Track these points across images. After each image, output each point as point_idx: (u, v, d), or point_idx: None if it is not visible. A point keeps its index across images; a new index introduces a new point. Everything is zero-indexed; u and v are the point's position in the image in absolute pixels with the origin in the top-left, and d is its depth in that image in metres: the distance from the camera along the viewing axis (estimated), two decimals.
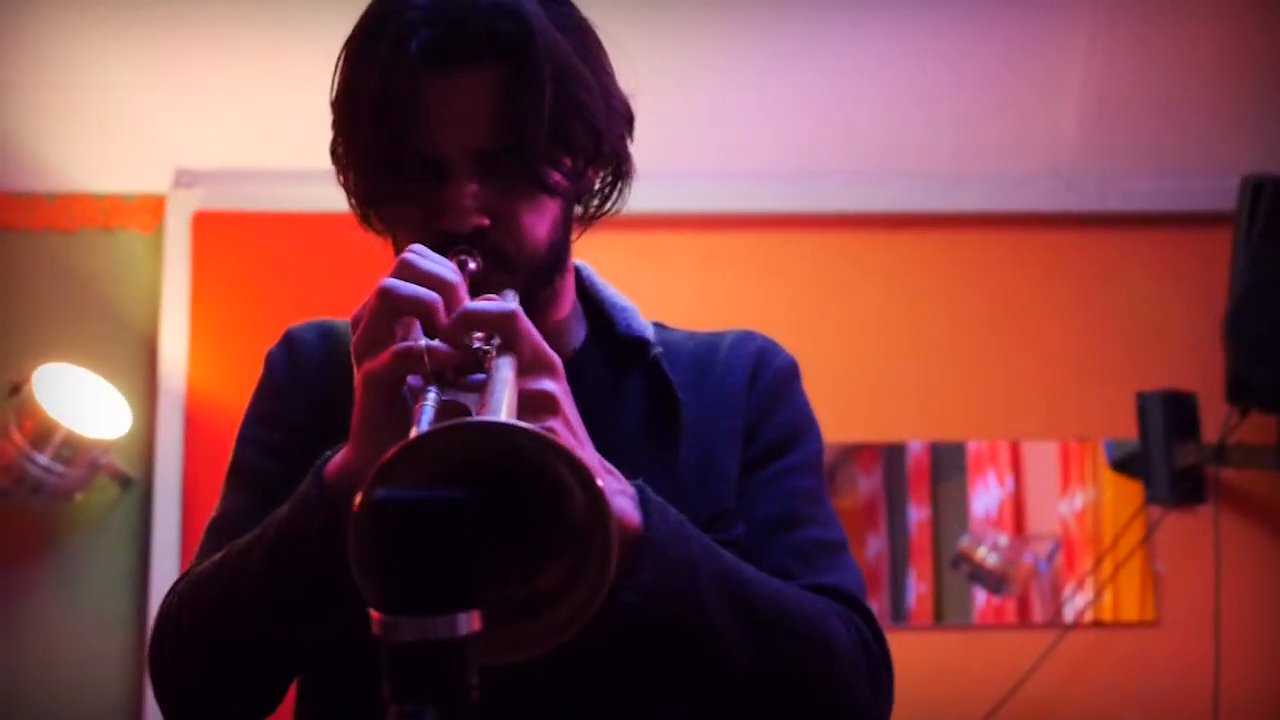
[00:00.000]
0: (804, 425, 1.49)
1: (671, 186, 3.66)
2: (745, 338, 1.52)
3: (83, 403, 3.44)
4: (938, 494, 3.70)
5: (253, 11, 3.36)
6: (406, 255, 1.18)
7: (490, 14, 1.30)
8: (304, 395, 1.44)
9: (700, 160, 3.67)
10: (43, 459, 3.37)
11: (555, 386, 1.13)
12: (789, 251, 3.80)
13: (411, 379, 1.13)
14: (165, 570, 3.45)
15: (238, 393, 3.41)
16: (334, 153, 1.40)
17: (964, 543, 3.70)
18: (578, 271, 1.52)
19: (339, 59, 1.36)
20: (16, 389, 3.41)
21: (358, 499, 0.92)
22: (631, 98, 1.43)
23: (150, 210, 3.69)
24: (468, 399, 1.08)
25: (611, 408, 1.42)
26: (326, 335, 1.48)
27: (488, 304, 1.15)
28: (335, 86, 1.37)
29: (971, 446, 3.71)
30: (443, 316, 1.14)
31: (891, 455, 3.72)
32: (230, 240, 3.68)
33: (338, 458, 1.19)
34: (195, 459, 3.54)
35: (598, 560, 0.95)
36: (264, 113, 3.54)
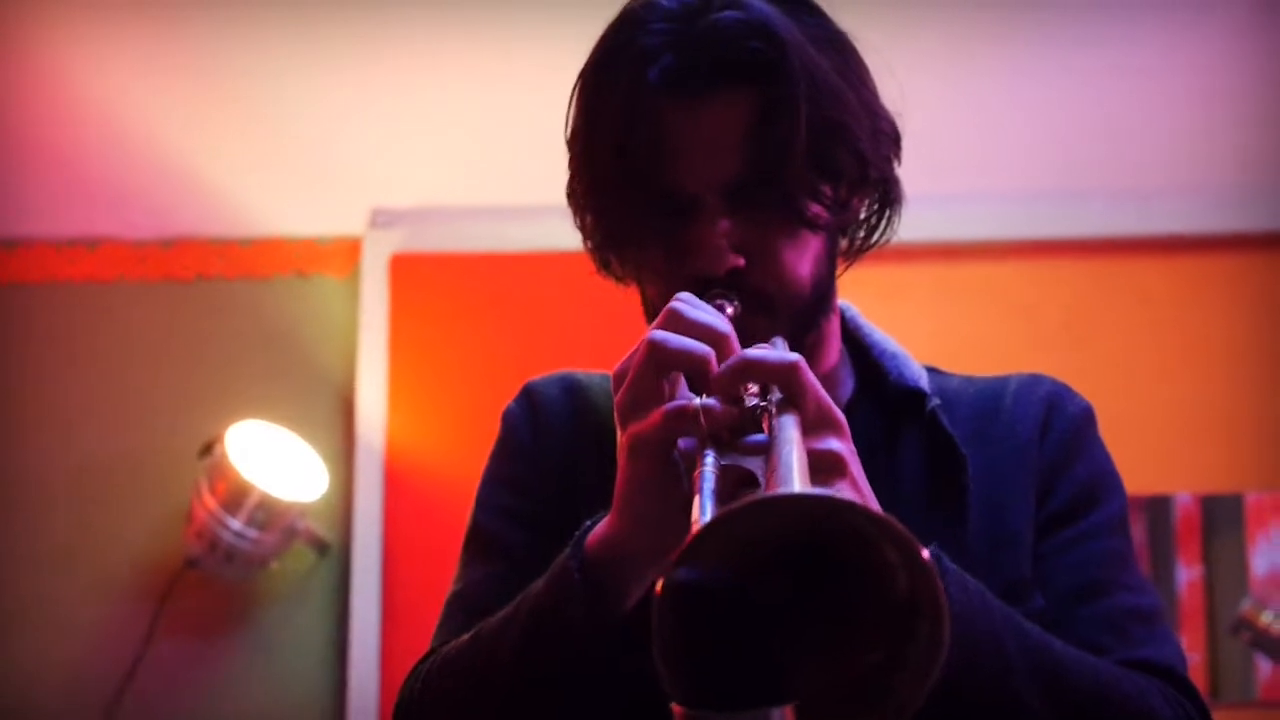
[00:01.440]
0: (1106, 479, 1.47)
1: (904, 212, 3.40)
2: (1032, 382, 1.50)
3: (278, 463, 3.47)
4: (1211, 552, 3.58)
5: (447, 42, 3.40)
6: (675, 304, 1.17)
7: (737, 33, 1.30)
8: (549, 456, 1.44)
9: (937, 182, 3.42)
10: (236, 524, 3.40)
11: (842, 446, 1.12)
12: (1040, 283, 3.72)
13: (682, 441, 1.12)
14: (365, 642, 3.47)
15: (442, 450, 3.59)
16: (570, 193, 1.40)
17: (1245, 606, 3.56)
18: (841, 313, 1.51)
19: (574, 92, 1.37)
20: (209, 449, 3.45)
21: (661, 582, 0.89)
22: (898, 116, 1.41)
23: (346, 253, 3.74)
24: (750, 463, 1.07)
25: (889, 467, 1.40)
26: (570, 389, 1.49)
27: (767, 353, 1.14)
28: (570, 122, 1.38)
29: (1250, 498, 3.59)
30: (714, 368, 1.13)
31: (1155, 509, 3.62)
32: (431, 283, 3.70)
33: (600, 528, 1.19)
34: (396, 522, 3.55)
35: (926, 643, 0.91)
36: (464, 146, 3.58)
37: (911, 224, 3.61)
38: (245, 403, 3.58)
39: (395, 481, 3.57)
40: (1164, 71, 3.50)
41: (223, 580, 3.51)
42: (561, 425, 1.46)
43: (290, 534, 3.49)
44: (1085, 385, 3.47)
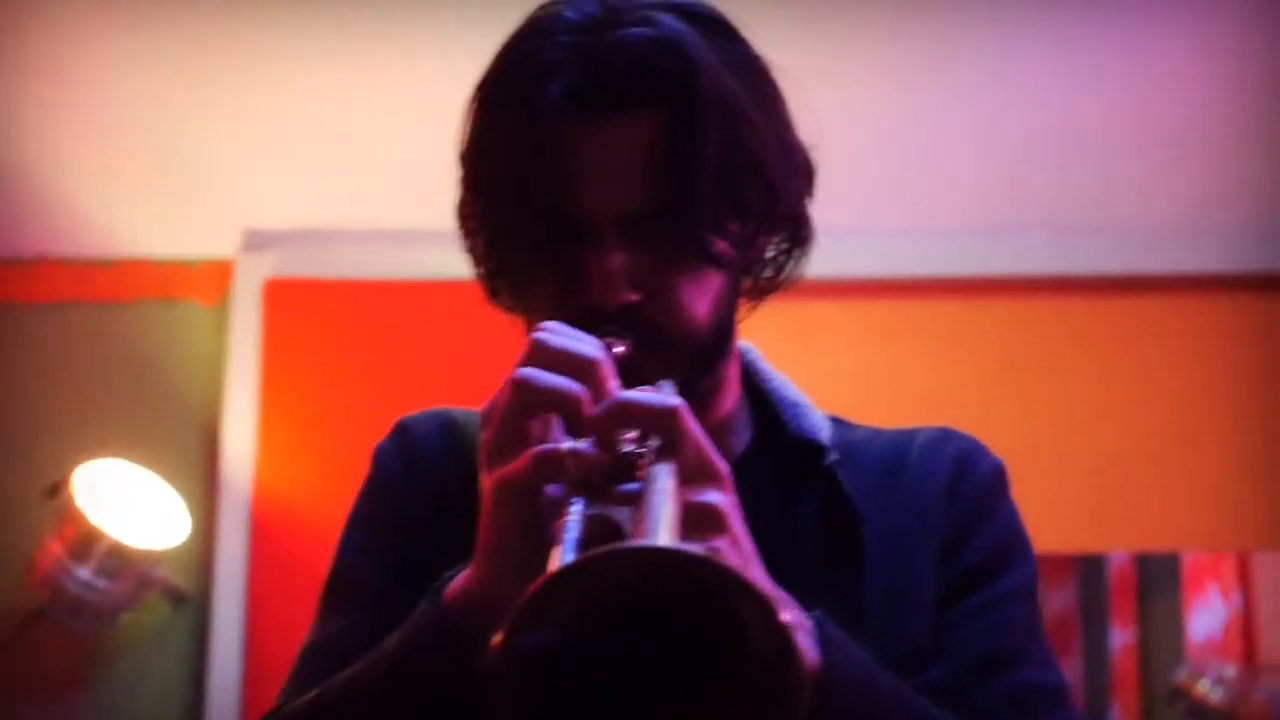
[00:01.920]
0: (1015, 544, 1.44)
1: (830, 246, 3.36)
2: (941, 438, 1.48)
3: (132, 506, 3.39)
4: (1146, 614, 3.67)
5: (329, 54, 3.37)
6: (539, 335, 1.16)
7: (646, 51, 1.29)
8: (421, 498, 1.43)
9: (868, 215, 3.60)
10: (84, 573, 3.32)
11: (722, 499, 1.11)
12: (972, 323, 3.72)
13: (551, 488, 1.12)
14: (224, 702, 3.43)
15: (314, 494, 3.52)
16: (460, 214, 1.39)
17: (1181, 674, 3.59)
18: (741, 356, 1.49)
19: (470, 106, 1.36)
20: (55, 490, 3.36)
21: (496, 640, 0.91)
22: (813, 149, 1.41)
23: (215, 277, 3.69)
24: (620, 513, 1.08)
25: (782, 524, 1.39)
26: (446, 427, 1.48)
27: (645, 395, 1.13)
28: (464, 137, 1.37)
29: (1188, 558, 3.68)
30: (589, 409, 1.12)
31: (1088, 568, 3.69)
32: (307, 312, 3.67)
33: (460, 579, 1.18)
34: (261, 572, 3.50)
35: (783, 712, 0.93)
36: (346, 164, 3.56)
37: (840, 258, 3.71)
38: (99, 439, 3.51)
39: (262, 527, 3.53)
40: (1114, 101, 3.51)
41: (70, 633, 3.43)
42: (435, 466, 1.45)
43: (143, 584, 3.41)
44: (1019, 433, 3.57)
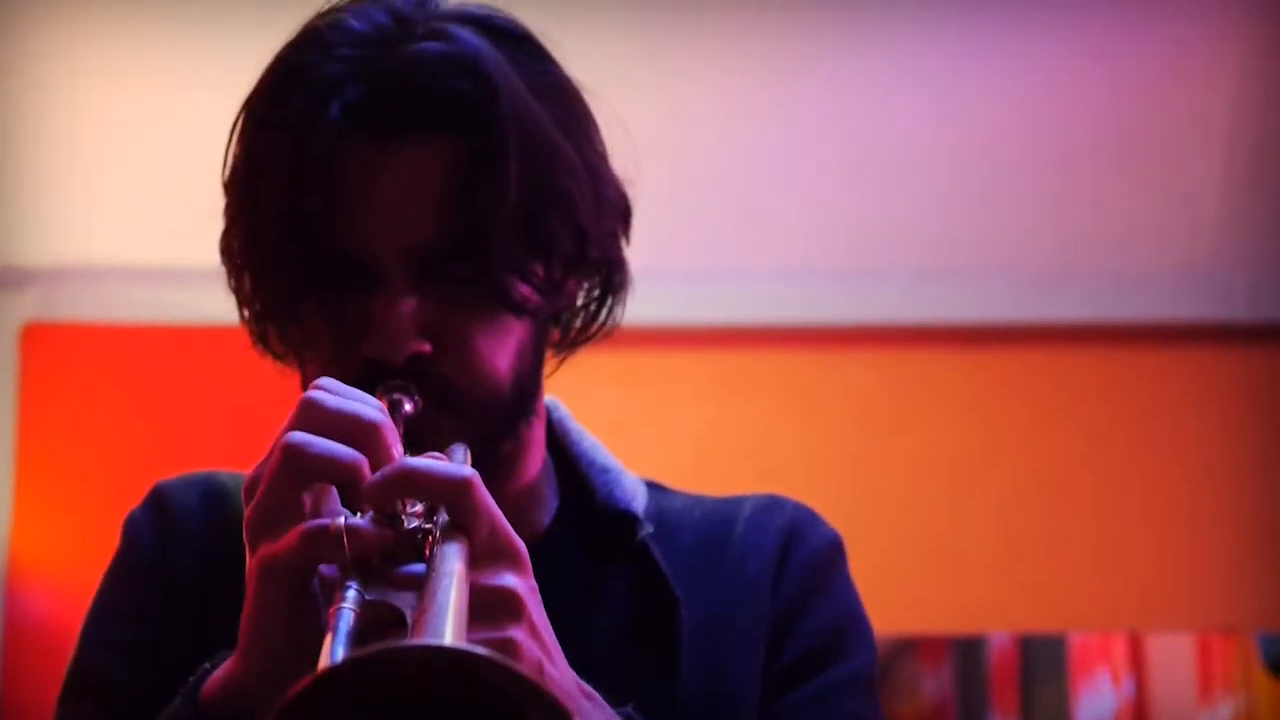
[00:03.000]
0: (851, 627, 1.46)
1: (669, 290, 3.58)
2: (770, 506, 1.49)
3: None
4: (1029, 701, 3.61)
5: (92, 71, 3.37)
6: (312, 394, 1.14)
7: (438, 68, 1.29)
8: (179, 577, 1.41)
9: (709, 256, 3.64)
10: None
11: (519, 583, 1.10)
12: (828, 376, 3.74)
13: (324, 568, 1.10)
14: None
15: (77, 564, 3.41)
16: (225, 248, 1.38)
17: None
18: (548, 414, 1.50)
19: (235, 125, 1.36)
20: None
21: None
22: (629, 185, 1.42)
23: None
24: (401, 598, 1.06)
25: (590, 607, 1.40)
26: (209, 495, 1.46)
27: (432, 464, 1.12)
28: (229, 161, 1.36)
29: (1075, 640, 3.63)
30: (367, 477, 1.11)
31: (966, 650, 3.63)
32: (69, 358, 3.64)
33: (220, 671, 1.15)
34: (16, 654, 3.45)
35: None
36: (112, 194, 3.54)
37: (680, 303, 3.74)
38: None
39: (17, 603, 3.50)
40: (963, 129, 3.58)
41: None
42: (196, 539, 1.43)
43: None
44: (879, 498, 3.57)
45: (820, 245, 3.70)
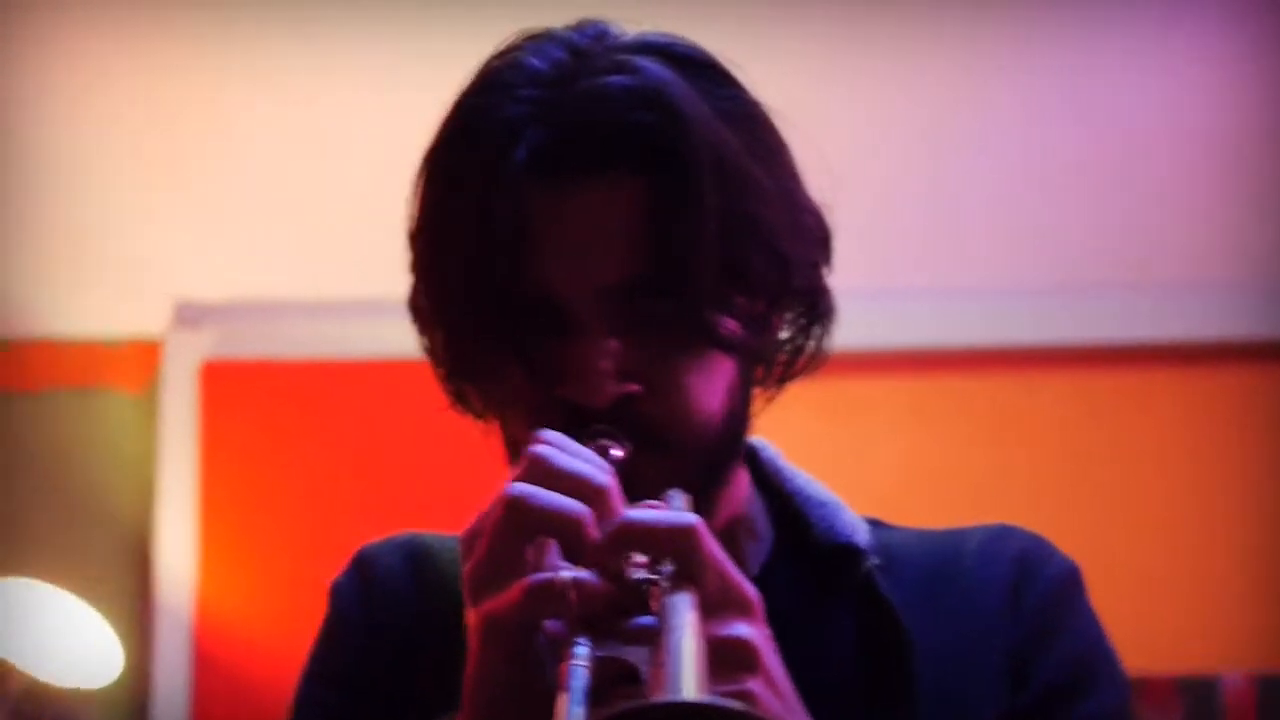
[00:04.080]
0: (1098, 659, 1.42)
1: (865, 313, 3.49)
2: (999, 535, 1.46)
3: (50, 636, 3.36)
4: None
5: (272, 107, 3.39)
6: (540, 449, 1.15)
7: (625, 102, 1.28)
8: (386, 642, 1.42)
9: (905, 276, 3.65)
10: None
11: (753, 632, 1.09)
12: (1034, 400, 3.74)
13: (550, 624, 1.10)
14: None
15: (267, 617, 3.46)
16: (413, 305, 1.39)
17: None
18: (754, 454, 1.49)
19: (418, 177, 1.35)
20: None
21: None
22: (828, 210, 1.40)
23: (142, 359, 3.71)
24: (633, 653, 1.06)
25: (816, 646, 1.36)
26: (414, 556, 1.47)
27: (656, 515, 1.12)
28: (413, 213, 1.36)
29: None
30: (592, 533, 1.11)
31: (1196, 693, 3.61)
32: (250, 398, 3.71)
33: None
34: (207, 712, 3.51)
35: None
36: (290, 227, 3.59)
37: (870, 328, 3.69)
38: (7, 556, 3.49)
39: (206, 659, 3.53)
40: (1189, 147, 3.53)
41: None
42: (402, 603, 1.44)
43: None
44: (1102, 531, 3.51)
45: (1022, 263, 3.70)
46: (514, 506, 1.11)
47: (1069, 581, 1.44)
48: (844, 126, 3.26)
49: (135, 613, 3.52)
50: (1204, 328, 3.70)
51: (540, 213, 1.28)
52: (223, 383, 3.66)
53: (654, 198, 1.28)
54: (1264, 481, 3.66)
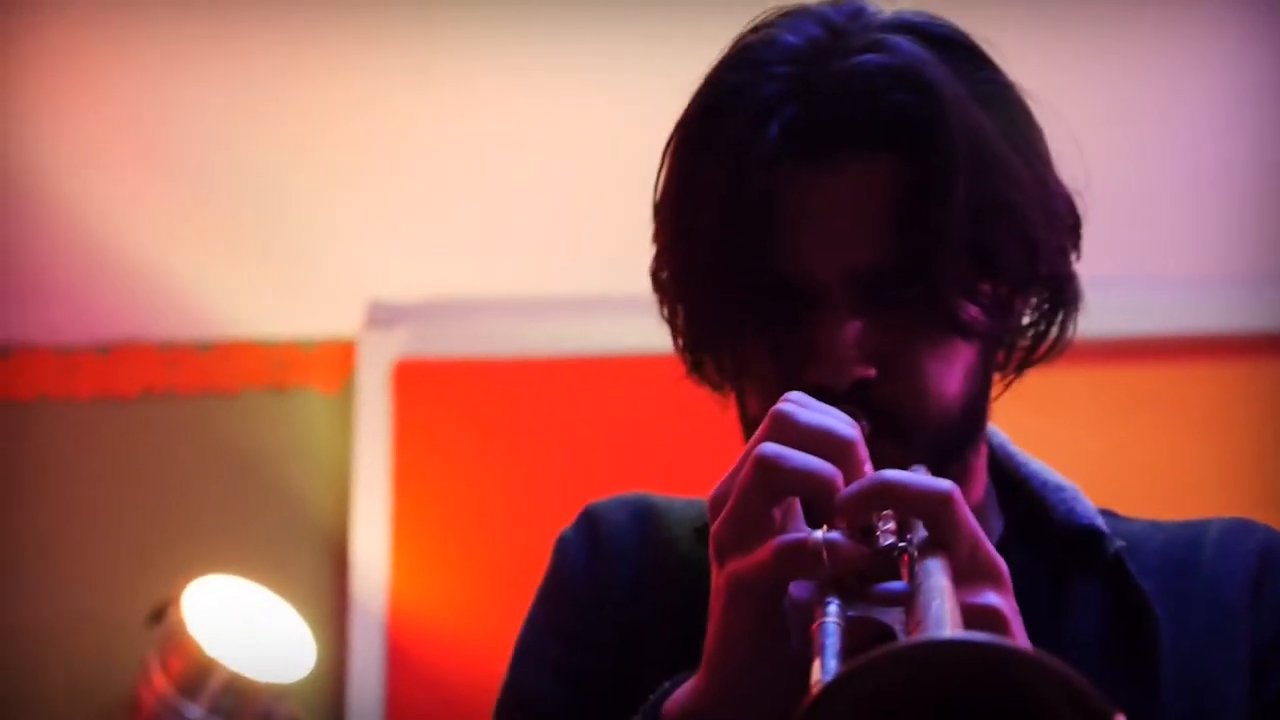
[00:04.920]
0: None
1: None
2: (1239, 528, 1.45)
3: (249, 631, 3.42)
4: None
5: (463, 104, 3.44)
6: (786, 406, 1.16)
7: (881, 82, 1.29)
8: (612, 598, 1.44)
9: (1110, 262, 3.33)
10: (196, 712, 3.32)
11: (1002, 603, 1.10)
12: (1241, 389, 3.63)
13: (795, 588, 1.11)
14: None
15: (460, 613, 3.49)
16: (656, 276, 1.41)
17: None
18: (988, 440, 1.49)
19: (669, 148, 1.38)
20: (160, 615, 3.39)
21: None
22: (1078, 195, 1.41)
23: (336, 360, 3.75)
24: (886, 614, 1.06)
25: (1058, 626, 1.38)
26: (641, 515, 1.49)
27: (912, 477, 1.12)
28: (661, 184, 1.38)
29: None
30: (840, 493, 1.11)
31: None
32: (445, 397, 3.71)
33: (683, 691, 1.17)
34: (401, 706, 3.53)
35: None
36: (482, 226, 3.60)
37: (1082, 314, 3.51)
38: (207, 554, 3.53)
39: (400, 653, 3.55)
40: None
41: None
42: (630, 560, 1.46)
43: None
44: None
45: (1227, 247, 3.62)
46: (763, 466, 1.12)
47: None
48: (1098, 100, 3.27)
49: (331, 609, 3.54)
50: None
51: (792, 190, 1.29)
52: (415, 382, 3.67)
53: (906, 181, 1.29)
54: None
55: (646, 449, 3.19)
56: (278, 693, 3.40)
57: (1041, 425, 3.39)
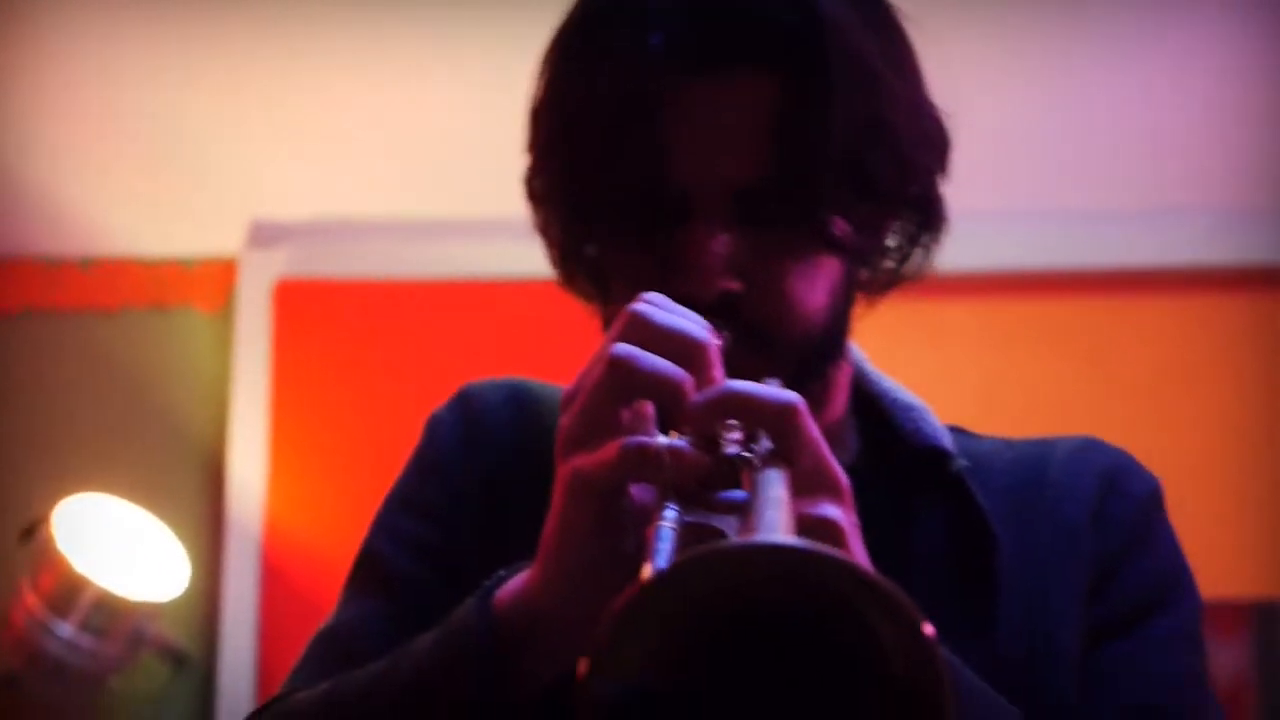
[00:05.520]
0: (1176, 578, 1.45)
1: (957, 233, 3.44)
2: (1086, 448, 1.48)
3: (122, 549, 3.40)
4: None
5: (346, 24, 3.38)
6: (640, 307, 1.16)
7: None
8: (479, 478, 1.45)
9: (986, 197, 3.42)
10: (66, 630, 3.32)
11: (841, 515, 1.10)
12: (1121, 323, 3.69)
13: (635, 489, 1.12)
14: None
15: (336, 533, 3.48)
16: (529, 184, 1.42)
17: None
18: (849, 359, 1.51)
19: (547, 56, 1.38)
20: (30, 532, 3.37)
21: (582, 670, 0.91)
22: (950, 118, 1.42)
23: (217, 279, 3.73)
24: (722, 522, 1.07)
25: (901, 544, 1.39)
26: (517, 398, 1.50)
27: (759, 388, 1.12)
28: (538, 92, 1.39)
29: None
30: (690, 398, 1.11)
31: (1265, 617, 3.61)
32: (325, 317, 3.71)
33: (516, 581, 1.18)
34: (275, 626, 3.54)
35: None
36: (367, 146, 3.57)
37: (955, 251, 3.67)
38: (82, 471, 3.52)
39: (275, 573, 3.55)
40: None
41: (50, 701, 3.45)
42: (499, 441, 1.46)
43: (137, 642, 3.41)
44: (1174, 452, 3.44)
45: (1112, 185, 3.63)
46: (614, 366, 1.12)
47: (1152, 500, 1.47)
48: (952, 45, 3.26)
49: (207, 528, 3.53)
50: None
51: (671, 101, 1.30)
52: (296, 302, 3.66)
53: (786, 96, 1.30)
54: None
55: (526, 373, 3.23)
56: (150, 611, 3.40)
57: (926, 355, 3.49)
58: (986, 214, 3.53)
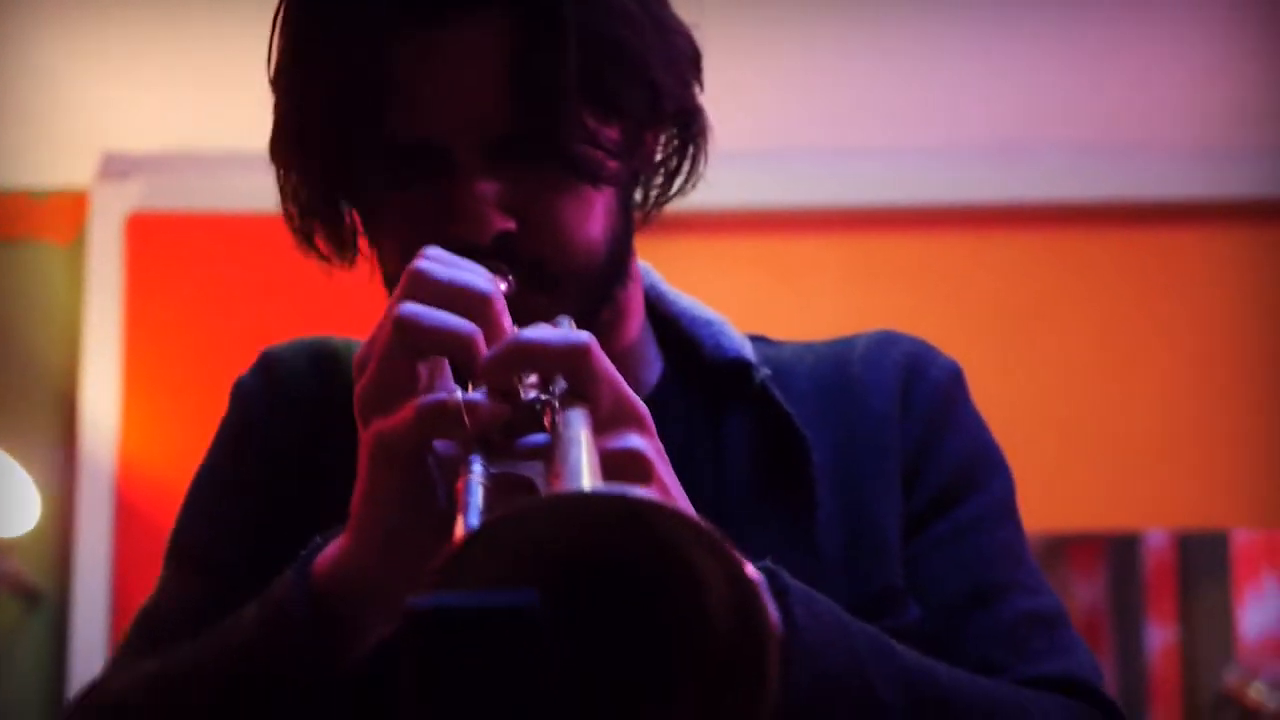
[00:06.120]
0: (984, 455, 1.48)
1: (808, 171, 3.55)
2: (883, 341, 1.51)
3: None
4: (1189, 606, 3.67)
5: None
6: (421, 264, 1.16)
7: None
8: (287, 445, 1.44)
9: (844, 135, 3.57)
10: None
11: (646, 444, 1.11)
12: (974, 259, 3.73)
13: (441, 444, 1.12)
14: None
15: (189, 465, 3.41)
16: (275, 150, 1.41)
17: (1231, 677, 3.62)
18: (641, 281, 1.52)
19: (279, 16, 1.37)
20: None
21: (403, 619, 0.89)
22: (695, 28, 1.42)
23: (68, 211, 3.73)
24: (529, 468, 1.07)
25: (713, 460, 1.42)
26: (321, 358, 1.49)
27: (547, 334, 1.14)
28: (274, 54, 1.37)
29: (1239, 538, 3.65)
30: (482, 350, 1.12)
31: (1120, 550, 3.70)
32: (178, 250, 3.71)
33: (332, 548, 1.18)
34: (129, 562, 3.54)
35: (752, 685, 0.93)
36: (221, 76, 3.38)
37: (813, 187, 3.53)
38: None
39: (128, 510, 3.55)
40: (1136, 12, 3.50)
41: None
42: (306, 404, 1.46)
43: None
44: (1027, 388, 3.55)
45: (963, 122, 3.64)
46: (401, 326, 1.12)
47: (954, 381, 1.49)
48: None
49: (58, 464, 3.54)
50: (1138, 187, 3.70)
51: (405, 55, 1.30)
52: (149, 235, 3.65)
53: (518, 33, 1.30)
54: (1184, 339, 3.68)
55: (381, 305, 3.26)
56: (2, 547, 3.40)
57: (783, 291, 3.48)
58: (843, 150, 3.60)
